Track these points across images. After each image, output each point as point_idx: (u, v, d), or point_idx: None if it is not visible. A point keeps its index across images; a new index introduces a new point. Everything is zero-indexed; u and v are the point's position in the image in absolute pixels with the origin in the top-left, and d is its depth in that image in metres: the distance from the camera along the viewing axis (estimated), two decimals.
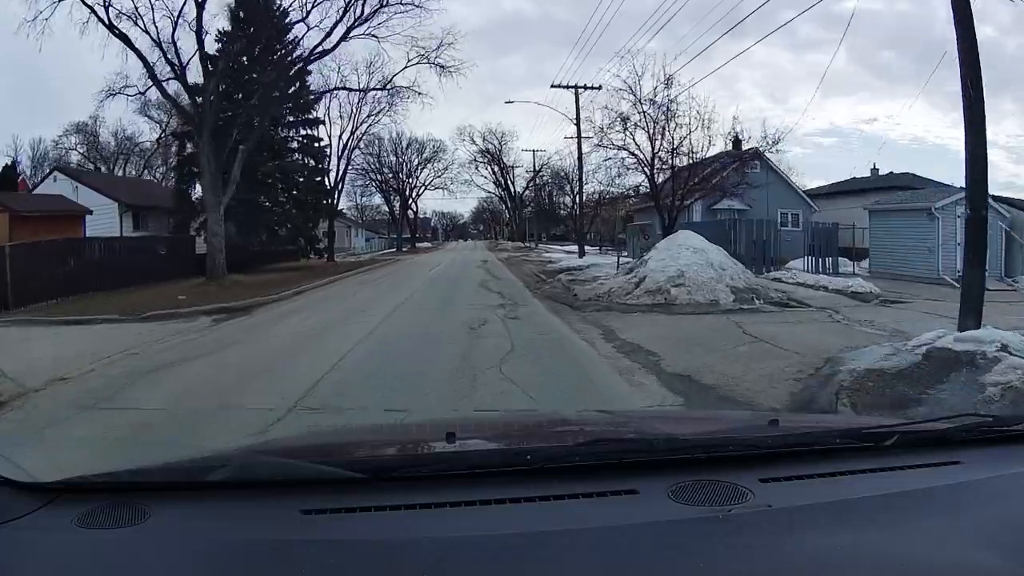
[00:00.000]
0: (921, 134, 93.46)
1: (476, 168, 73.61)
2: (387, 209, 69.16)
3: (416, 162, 67.26)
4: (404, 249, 63.87)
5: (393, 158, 65.90)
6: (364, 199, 73.74)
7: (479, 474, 1.28)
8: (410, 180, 67.54)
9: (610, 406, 5.58)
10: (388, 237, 66.85)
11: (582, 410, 4.15)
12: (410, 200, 69.98)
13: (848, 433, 1.46)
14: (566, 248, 50.20)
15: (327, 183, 38.64)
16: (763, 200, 26.81)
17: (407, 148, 66.13)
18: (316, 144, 35.76)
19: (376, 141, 58.11)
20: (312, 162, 35.94)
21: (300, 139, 34.79)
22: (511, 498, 1.19)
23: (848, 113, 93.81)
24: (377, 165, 63.43)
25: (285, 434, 4.33)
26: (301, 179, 34.14)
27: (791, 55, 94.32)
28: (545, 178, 65.34)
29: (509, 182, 75.21)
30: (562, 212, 73.20)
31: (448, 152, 74.11)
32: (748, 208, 27.28)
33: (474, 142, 74.07)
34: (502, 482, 1.24)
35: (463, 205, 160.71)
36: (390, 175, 65.79)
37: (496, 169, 74.50)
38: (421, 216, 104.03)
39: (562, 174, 62.34)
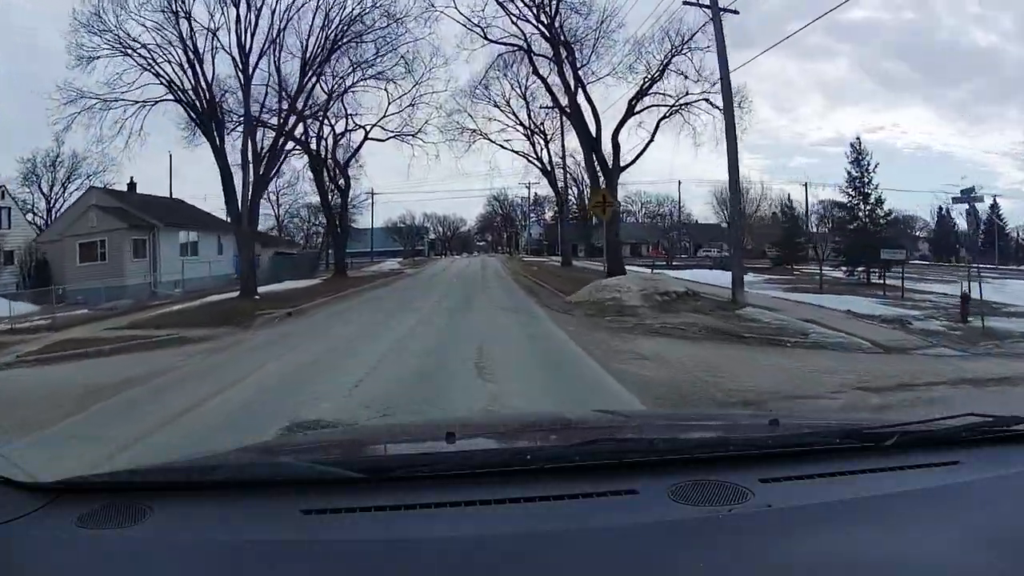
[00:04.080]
0: (927, 142, 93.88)
1: (486, 89, 30.55)
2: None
3: (319, 24, 23.15)
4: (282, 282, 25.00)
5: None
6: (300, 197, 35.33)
7: (479, 474, 1.27)
8: (319, 96, 26.18)
9: None
10: (309, 249, 32.43)
11: (582, 410, 4.15)
12: (322, 149, 30.21)
13: (848, 433, 1.46)
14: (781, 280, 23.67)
15: None
16: None
17: None
18: None
19: None
20: None
21: None
22: (511, 498, 1.19)
23: (855, 122, 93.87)
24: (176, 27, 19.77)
25: None
26: None
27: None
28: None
29: (589, 108, 26.03)
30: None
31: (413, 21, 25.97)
32: None
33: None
34: (502, 482, 1.23)
35: (468, 208, 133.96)
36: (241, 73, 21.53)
37: (534, 96, 30.97)
38: (409, 220, 66.92)
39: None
